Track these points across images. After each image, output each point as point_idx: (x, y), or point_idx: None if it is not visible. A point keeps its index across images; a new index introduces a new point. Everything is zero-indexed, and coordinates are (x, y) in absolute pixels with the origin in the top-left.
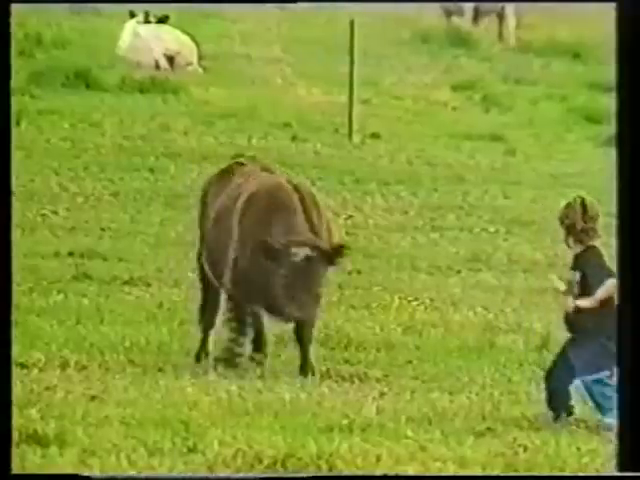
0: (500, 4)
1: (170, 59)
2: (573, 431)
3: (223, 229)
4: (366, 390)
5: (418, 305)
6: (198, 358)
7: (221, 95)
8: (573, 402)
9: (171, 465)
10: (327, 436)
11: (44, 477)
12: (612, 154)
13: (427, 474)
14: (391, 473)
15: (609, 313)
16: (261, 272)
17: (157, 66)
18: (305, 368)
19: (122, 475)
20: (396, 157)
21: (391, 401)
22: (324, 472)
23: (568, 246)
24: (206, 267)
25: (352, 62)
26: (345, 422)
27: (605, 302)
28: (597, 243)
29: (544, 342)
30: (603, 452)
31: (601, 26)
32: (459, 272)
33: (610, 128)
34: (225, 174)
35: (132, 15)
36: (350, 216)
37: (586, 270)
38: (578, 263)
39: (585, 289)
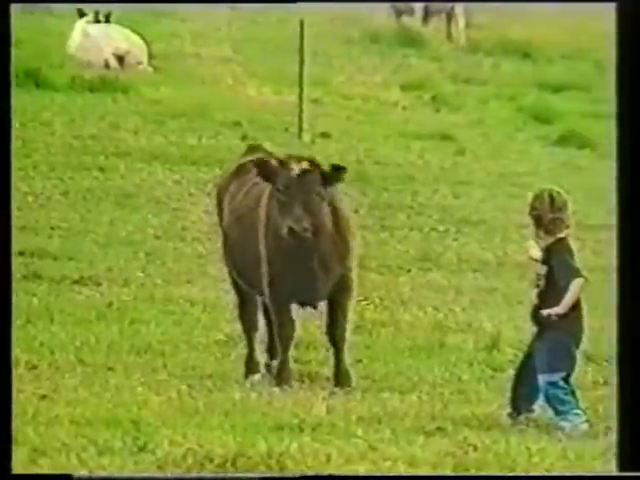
0: (450, 4)
1: (120, 58)
2: (523, 430)
3: (245, 228)
4: (316, 389)
5: (368, 304)
6: (248, 369)
7: (171, 94)
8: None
9: (121, 464)
10: (277, 435)
11: (44, 477)
12: (561, 153)
13: (377, 474)
14: (341, 472)
15: (574, 312)
16: (288, 255)
17: (107, 65)
18: (340, 378)
19: (122, 475)
20: (346, 156)
21: (341, 400)
22: (274, 471)
23: (538, 238)
24: (234, 273)
25: (302, 62)
26: (295, 421)
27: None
28: (566, 234)
29: (494, 341)
30: (552, 451)
31: (553, 26)
32: (409, 271)
33: (559, 127)
34: (240, 172)
35: (81, 14)
36: None
37: (553, 263)
38: (546, 256)
39: (550, 283)
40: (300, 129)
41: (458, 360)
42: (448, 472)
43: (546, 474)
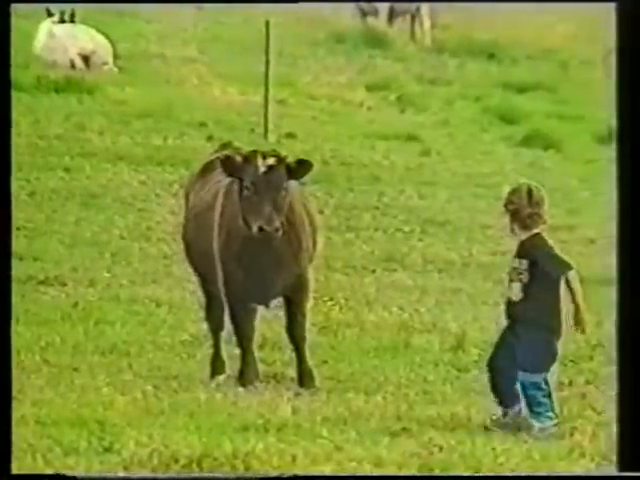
0: (415, 4)
1: (85, 59)
2: (488, 430)
3: (202, 225)
4: (281, 390)
5: (333, 305)
6: (214, 368)
7: (137, 95)
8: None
9: (87, 465)
10: (243, 436)
11: (44, 477)
12: (526, 154)
13: (343, 474)
14: (307, 473)
15: (555, 308)
16: (239, 250)
17: (72, 66)
18: (303, 378)
19: (121, 475)
20: (311, 157)
21: (306, 401)
22: (240, 472)
23: (513, 233)
24: (194, 270)
25: (267, 62)
26: (261, 422)
27: (543, 294)
28: (541, 229)
29: (459, 342)
30: (518, 452)
31: (518, 26)
32: (374, 272)
33: (524, 128)
34: (207, 169)
35: (49, 14)
36: None
37: (537, 256)
38: (524, 250)
39: (536, 276)
40: (266, 129)
41: (423, 360)
42: (413, 472)
43: (546, 474)
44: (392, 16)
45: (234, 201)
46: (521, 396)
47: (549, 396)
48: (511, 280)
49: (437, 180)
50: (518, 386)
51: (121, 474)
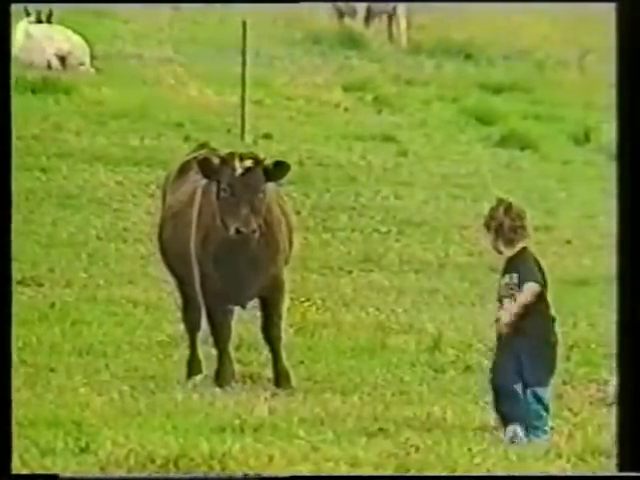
0: (391, 5)
1: (62, 59)
2: (465, 431)
3: (179, 225)
4: (258, 390)
5: (310, 305)
6: (191, 369)
7: (113, 95)
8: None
9: (63, 465)
10: (219, 436)
11: (44, 477)
12: (503, 154)
13: (319, 474)
14: (283, 473)
15: (548, 316)
16: (216, 251)
17: (49, 66)
18: (280, 378)
19: (120, 475)
20: (288, 157)
21: (283, 401)
22: (217, 472)
23: (498, 252)
24: (169, 270)
25: (244, 62)
26: (237, 422)
27: (536, 307)
28: (527, 243)
29: (435, 342)
30: (494, 453)
31: (495, 27)
32: (351, 272)
33: (501, 129)
34: (183, 169)
35: (27, 14)
36: None
37: (520, 270)
38: (513, 265)
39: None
40: (242, 130)
41: (400, 361)
42: (390, 473)
43: (546, 474)
44: (369, 17)
45: (212, 201)
46: (522, 412)
47: (547, 410)
48: (501, 298)
49: (414, 181)
50: (519, 403)
51: (118, 474)
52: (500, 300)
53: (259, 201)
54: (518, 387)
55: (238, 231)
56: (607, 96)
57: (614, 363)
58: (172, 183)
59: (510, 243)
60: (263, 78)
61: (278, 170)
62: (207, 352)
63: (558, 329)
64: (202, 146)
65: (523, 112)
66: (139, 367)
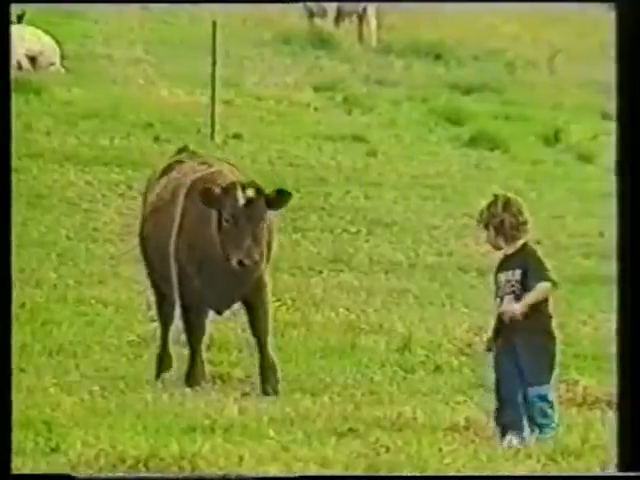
0: (362, 5)
1: (32, 59)
2: (435, 431)
3: (159, 222)
4: (228, 390)
5: (280, 306)
6: (162, 363)
7: (83, 95)
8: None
9: (33, 465)
10: (189, 436)
11: (44, 477)
12: (472, 155)
13: (289, 474)
14: (253, 473)
15: (547, 312)
16: (202, 256)
17: (19, 67)
18: (265, 386)
19: (121, 475)
20: (258, 158)
21: (253, 402)
22: (187, 472)
23: (498, 248)
24: (147, 267)
25: (214, 63)
26: (207, 422)
27: (538, 305)
28: (528, 239)
29: (405, 343)
30: (464, 453)
31: (464, 27)
32: (321, 273)
33: (471, 129)
34: (165, 171)
35: None
36: None
37: (528, 266)
38: (514, 262)
39: (529, 286)
40: (212, 130)
41: (370, 361)
42: (360, 473)
43: (546, 474)
44: (339, 17)
45: (199, 207)
46: (521, 420)
47: (553, 407)
48: (501, 295)
49: (383, 181)
50: (520, 414)
51: (120, 474)
52: (501, 297)
53: (261, 231)
54: (520, 396)
55: (240, 263)
56: (576, 96)
57: (583, 363)
58: (153, 185)
59: (512, 239)
60: (233, 78)
61: (280, 199)
62: (178, 352)
63: None
64: (181, 150)
65: (493, 112)
66: (109, 367)
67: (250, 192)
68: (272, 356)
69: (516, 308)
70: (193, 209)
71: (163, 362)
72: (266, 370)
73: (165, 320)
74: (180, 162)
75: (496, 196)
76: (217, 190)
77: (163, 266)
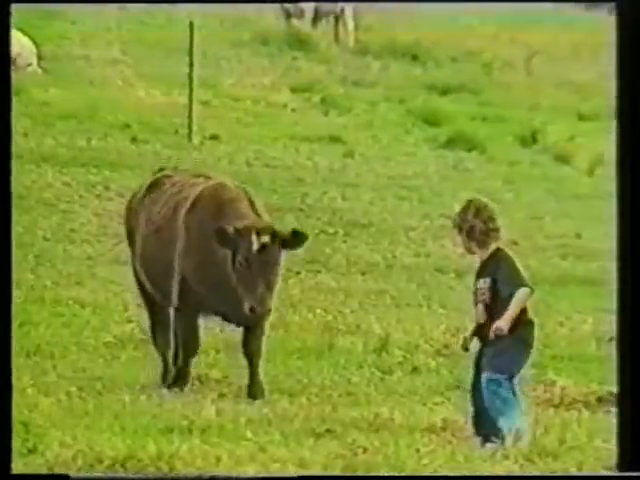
0: (339, 5)
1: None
2: (412, 432)
3: (163, 240)
4: (205, 391)
5: None
6: (164, 381)
7: (61, 96)
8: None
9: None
10: (167, 437)
11: (44, 477)
12: (449, 156)
13: (266, 475)
14: (230, 474)
15: (523, 319)
16: (211, 274)
17: None
18: (254, 389)
19: (122, 475)
20: (235, 158)
21: (230, 402)
22: (164, 473)
23: (471, 253)
24: (148, 285)
25: (191, 63)
26: (185, 423)
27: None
28: (501, 244)
29: (383, 344)
30: (441, 453)
31: (441, 28)
32: (298, 274)
33: (448, 130)
34: (153, 188)
35: None
36: None
37: (496, 276)
38: (486, 269)
39: (495, 296)
40: (190, 131)
41: (347, 362)
42: (337, 473)
43: (546, 474)
44: (316, 18)
45: (205, 224)
46: (488, 399)
47: (514, 394)
48: (475, 303)
49: (360, 182)
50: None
51: (119, 474)
52: (476, 305)
53: (275, 276)
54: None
55: (252, 309)
56: (553, 97)
57: (560, 364)
58: (142, 200)
59: (483, 245)
60: (210, 79)
61: (295, 240)
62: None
63: None
64: (161, 169)
65: (470, 113)
66: (86, 368)
67: (265, 238)
68: (261, 380)
69: (503, 327)
70: (199, 227)
71: (165, 378)
72: (254, 393)
73: (164, 346)
74: (169, 176)
75: (469, 201)
76: (231, 230)
77: (166, 285)
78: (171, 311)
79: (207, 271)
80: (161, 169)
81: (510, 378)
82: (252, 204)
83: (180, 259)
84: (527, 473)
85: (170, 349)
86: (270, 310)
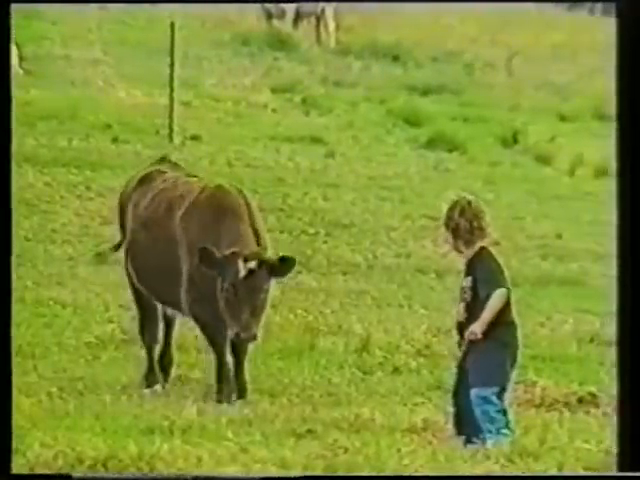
0: (320, 6)
1: None
2: (393, 432)
3: (155, 236)
4: (187, 392)
5: None
6: (148, 380)
7: (42, 96)
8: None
9: None
10: (148, 438)
11: (44, 477)
12: (430, 156)
13: (248, 475)
14: (211, 474)
15: (504, 321)
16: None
17: None
18: (240, 389)
19: (122, 475)
20: (216, 159)
21: (212, 403)
22: (145, 473)
23: (459, 251)
24: (135, 279)
25: (172, 64)
26: (166, 424)
27: (499, 312)
28: (487, 243)
29: (364, 344)
30: (422, 454)
31: (423, 29)
32: None
33: (429, 130)
34: (144, 181)
35: None
36: None
37: (476, 274)
38: (470, 268)
39: (476, 296)
40: (171, 131)
41: (328, 363)
42: (318, 474)
43: (546, 474)
44: (297, 18)
45: (202, 215)
46: (476, 415)
47: (503, 412)
48: (462, 299)
49: (341, 182)
50: (475, 410)
51: (119, 474)
52: (460, 302)
53: (261, 302)
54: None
55: (238, 335)
56: (534, 98)
57: (541, 364)
58: (131, 195)
59: (469, 243)
60: (191, 79)
61: (284, 266)
62: (136, 354)
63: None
64: (163, 159)
65: (451, 114)
66: (67, 368)
67: (252, 264)
68: (246, 379)
69: (477, 331)
70: (197, 231)
71: (149, 379)
72: (240, 392)
73: (150, 339)
74: (162, 172)
75: (456, 200)
76: (217, 254)
77: (158, 281)
78: (159, 306)
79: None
80: (162, 159)
81: (500, 392)
82: (251, 215)
83: (186, 267)
84: (508, 473)
85: (157, 344)
86: (256, 336)
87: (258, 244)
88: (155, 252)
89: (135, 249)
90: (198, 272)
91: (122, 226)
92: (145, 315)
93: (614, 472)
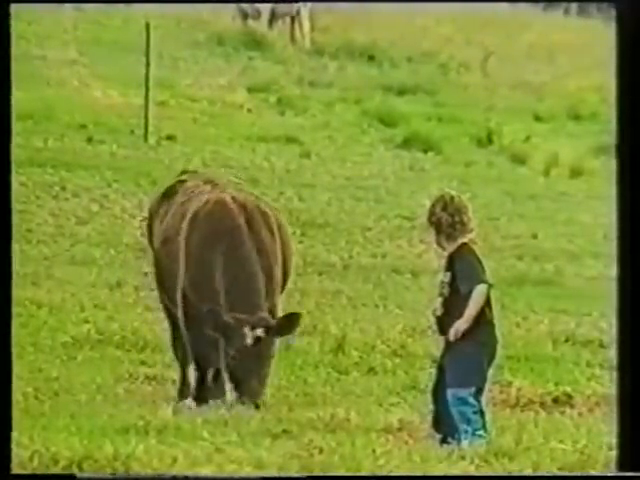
0: (295, 6)
1: None
2: (368, 432)
3: (170, 253)
4: (162, 392)
5: None
6: (181, 395)
7: (17, 97)
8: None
9: None
10: (123, 438)
11: (44, 477)
12: (405, 156)
13: (223, 475)
14: (187, 474)
15: (483, 320)
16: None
17: None
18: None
19: (122, 475)
20: (192, 159)
21: (187, 402)
22: (120, 473)
23: (442, 248)
24: (164, 296)
25: (148, 64)
26: (141, 424)
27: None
28: (469, 239)
29: (339, 344)
30: (398, 454)
31: (398, 29)
32: None
33: (404, 130)
34: (168, 194)
35: None
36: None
37: (456, 270)
38: (450, 263)
39: (454, 291)
40: (146, 131)
41: (304, 363)
42: (294, 474)
43: (545, 474)
44: (273, 18)
45: (199, 231)
46: (453, 415)
47: (480, 413)
48: (440, 294)
49: (317, 182)
50: (452, 410)
51: (119, 474)
52: (438, 296)
53: (268, 368)
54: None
55: (242, 402)
56: (509, 98)
57: (517, 364)
58: (158, 209)
59: (450, 239)
60: (167, 79)
61: (289, 323)
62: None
63: None
64: (185, 171)
65: (426, 114)
66: (43, 368)
67: (259, 331)
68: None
69: (462, 327)
70: (195, 244)
71: (182, 392)
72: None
73: (183, 356)
74: (182, 182)
75: (439, 195)
76: (226, 318)
77: (174, 298)
78: (181, 324)
79: (202, 288)
80: (185, 171)
81: (477, 392)
82: (254, 230)
83: (182, 274)
84: (483, 473)
85: (189, 366)
86: (259, 404)
87: (262, 251)
88: (171, 267)
89: (159, 267)
90: (192, 289)
91: (150, 241)
92: (176, 335)
93: (614, 472)
